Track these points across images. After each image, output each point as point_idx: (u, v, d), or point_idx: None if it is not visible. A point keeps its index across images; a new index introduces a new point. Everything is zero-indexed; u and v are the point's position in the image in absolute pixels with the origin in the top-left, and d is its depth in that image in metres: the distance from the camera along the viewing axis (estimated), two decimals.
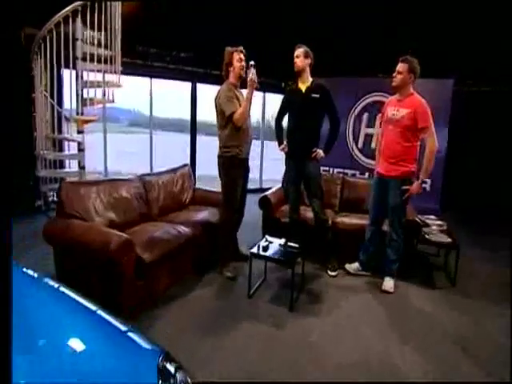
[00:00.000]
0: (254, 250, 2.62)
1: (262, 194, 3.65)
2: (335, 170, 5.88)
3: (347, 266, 3.19)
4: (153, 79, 5.83)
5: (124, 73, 4.38)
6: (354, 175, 5.59)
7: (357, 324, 2.41)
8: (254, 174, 4.69)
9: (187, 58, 5.84)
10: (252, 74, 2.68)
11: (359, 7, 5.27)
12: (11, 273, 1.02)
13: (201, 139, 6.70)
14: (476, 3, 4.82)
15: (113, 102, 4.18)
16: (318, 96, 2.93)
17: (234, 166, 2.87)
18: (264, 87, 5.96)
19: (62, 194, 2.45)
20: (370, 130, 5.70)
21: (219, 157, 2.91)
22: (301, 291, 2.78)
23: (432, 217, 3.66)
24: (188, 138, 6.37)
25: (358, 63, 5.67)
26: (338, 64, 5.56)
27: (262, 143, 7.08)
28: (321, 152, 2.98)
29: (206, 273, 2.99)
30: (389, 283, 2.90)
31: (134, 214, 2.82)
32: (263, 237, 3.42)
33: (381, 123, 3.07)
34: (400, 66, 2.73)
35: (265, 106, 6.79)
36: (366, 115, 5.74)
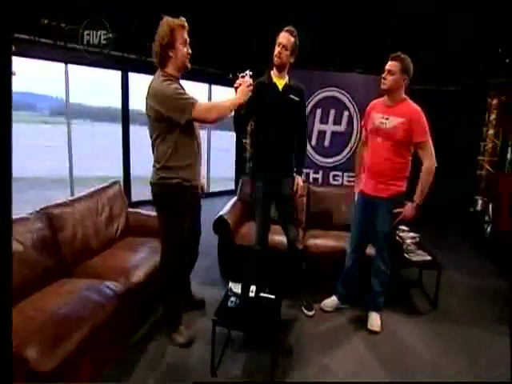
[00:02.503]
0: (219, 303, 1.83)
1: (218, 215, 2.84)
2: None
3: (323, 304, 2.56)
4: (69, 65, 4.45)
5: (22, 54, 3.10)
6: (307, 174, 5.08)
7: None
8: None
9: (116, 39, 4.51)
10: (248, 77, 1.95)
11: None
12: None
13: (136, 130, 5.43)
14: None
15: None
16: (297, 99, 2.19)
17: (180, 198, 1.90)
18: (210, 79, 5.01)
19: None
20: (323, 127, 5.18)
21: (155, 185, 1.91)
22: (279, 346, 2.08)
23: (404, 227, 3.23)
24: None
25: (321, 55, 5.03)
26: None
27: (209, 138, 6.08)
28: (300, 181, 2.36)
29: (152, 339, 2.11)
30: (376, 321, 2.36)
31: (31, 272, 1.77)
32: (221, 269, 2.65)
33: (361, 130, 2.44)
34: (391, 65, 2.11)
35: (211, 96, 5.78)
36: (319, 111, 5.17)
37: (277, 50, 2.14)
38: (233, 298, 1.91)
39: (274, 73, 2.24)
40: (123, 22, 4.22)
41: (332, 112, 5.00)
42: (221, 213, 2.86)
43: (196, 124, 1.96)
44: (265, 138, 2.25)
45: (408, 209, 2.20)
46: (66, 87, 4.50)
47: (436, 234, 4.27)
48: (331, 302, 2.56)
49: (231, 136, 6.44)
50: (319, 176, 5.27)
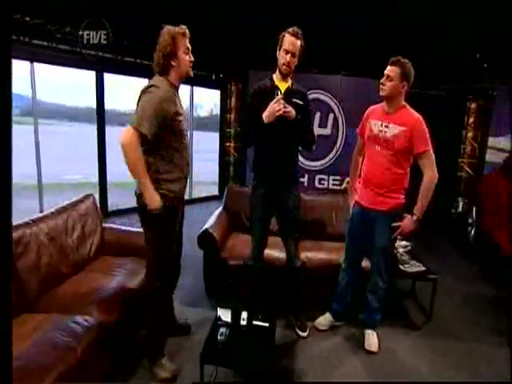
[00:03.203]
0: (208, 338, 1.61)
1: (202, 229, 2.59)
2: None
3: (317, 322, 2.38)
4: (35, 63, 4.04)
5: None
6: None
7: None
8: None
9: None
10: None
11: None
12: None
13: (116, 131, 4.98)
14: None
15: None
16: (301, 103, 2.01)
17: (168, 213, 1.72)
18: (192, 80, 4.71)
19: None
20: None
21: (141, 196, 1.71)
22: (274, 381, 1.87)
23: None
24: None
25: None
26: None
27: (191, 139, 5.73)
28: None
29: (133, 375, 1.85)
30: (373, 341, 2.21)
31: None
32: (207, 286, 2.42)
33: (360, 137, 2.26)
34: (390, 70, 1.95)
35: (192, 100, 5.48)
36: None
37: (285, 58, 1.94)
38: (222, 330, 1.68)
39: (276, 76, 2.03)
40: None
41: (317, 115, 4.86)
42: (206, 226, 2.62)
43: (184, 133, 1.79)
44: (268, 144, 2.03)
45: (407, 223, 2.05)
46: (32, 86, 4.09)
47: (422, 237, 4.20)
48: (325, 319, 2.39)
49: (213, 137, 6.19)
50: (305, 180, 5.13)
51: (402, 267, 2.60)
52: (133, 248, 2.28)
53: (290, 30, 1.93)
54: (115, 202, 4.93)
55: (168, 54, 1.67)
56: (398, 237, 2.82)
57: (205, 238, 2.52)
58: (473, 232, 4.18)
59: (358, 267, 2.30)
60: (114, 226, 2.49)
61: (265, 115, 1.90)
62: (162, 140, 1.67)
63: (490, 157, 5.11)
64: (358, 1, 4.23)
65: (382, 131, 2.01)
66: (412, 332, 2.43)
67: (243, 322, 1.75)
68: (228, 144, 5.44)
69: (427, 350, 2.24)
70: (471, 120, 5.32)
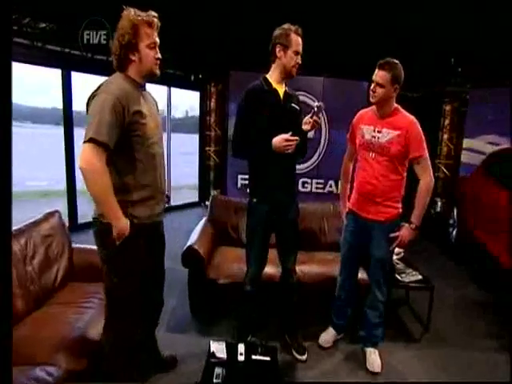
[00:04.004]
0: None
1: (186, 245, 2.31)
2: None
3: (322, 341, 2.20)
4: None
5: None
6: None
7: None
8: None
9: (51, 31, 3.65)
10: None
11: None
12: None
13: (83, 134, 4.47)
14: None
15: None
16: (298, 108, 1.83)
17: (135, 243, 1.40)
18: (169, 81, 4.39)
19: None
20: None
21: (97, 222, 1.40)
22: None
23: None
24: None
25: None
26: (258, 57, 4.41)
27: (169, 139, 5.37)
28: None
29: None
30: (375, 360, 2.04)
31: None
32: (192, 308, 2.19)
33: (350, 143, 2.10)
34: (380, 76, 1.79)
35: (170, 102, 5.13)
36: None
37: (295, 60, 1.74)
38: (218, 370, 1.44)
39: (275, 78, 1.80)
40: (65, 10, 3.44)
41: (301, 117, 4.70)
42: (190, 242, 2.34)
43: (154, 139, 1.44)
44: (272, 157, 1.76)
45: (405, 232, 1.92)
46: None
47: None
48: (328, 335, 2.22)
49: (188, 139, 5.87)
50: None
51: (398, 277, 2.47)
52: None
53: (294, 28, 1.74)
54: (86, 211, 4.47)
55: (126, 45, 1.34)
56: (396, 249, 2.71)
57: (190, 256, 2.25)
58: (454, 233, 4.19)
59: (355, 279, 2.16)
60: (85, 246, 2.14)
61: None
62: (120, 148, 1.32)
63: (466, 158, 5.23)
64: (336, 3, 4.13)
65: (374, 137, 1.87)
66: (412, 345, 2.30)
67: (241, 358, 1.51)
68: (208, 148, 5.15)
69: (429, 363, 2.11)
70: (447, 122, 5.40)
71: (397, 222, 1.95)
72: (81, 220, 4.08)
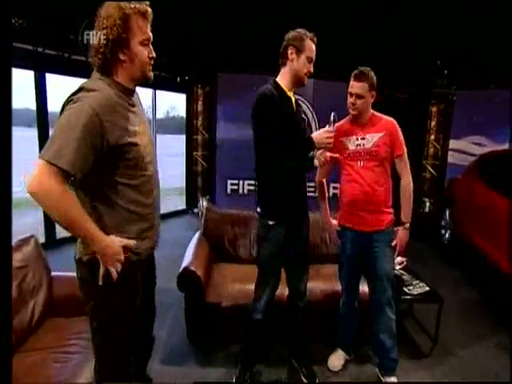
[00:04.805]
0: None
1: (182, 267, 2.07)
2: (245, 182, 4.84)
3: (331, 365, 2.04)
4: None
5: None
6: None
7: None
8: None
9: (24, 28, 3.20)
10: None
11: None
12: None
13: None
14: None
15: None
16: (306, 119, 1.65)
17: (133, 279, 1.19)
18: (154, 83, 4.10)
19: None
20: None
21: (81, 264, 1.14)
22: None
23: None
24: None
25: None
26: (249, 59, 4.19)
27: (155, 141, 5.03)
28: None
29: None
30: None
31: None
32: (190, 335, 2.00)
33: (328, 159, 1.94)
34: (358, 88, 1.73)
35: (155, 102, 4.79)
36: None
37: (308, 67, 1.61)
38: None
39: (286, 84, 1.64)
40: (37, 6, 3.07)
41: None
42: (185, 263, 2.10)
43: (147, 160, 1.18)
44: (290, 172, 1.64)
45: (402, 234, 1.87)
46: None
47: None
48: (337, 358, 2.06)
49: (170, 140, 5.59)
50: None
51: (406, 290, 2.34)
52: None
53: (310, 35, 1.60)
54: None
55: (115, 42, 1.06)
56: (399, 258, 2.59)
57: (186, 279, 2.01)
58: (447, 235, 4.16)
59: (356, 297, 2.04)
60: (66, 273, 1.84)
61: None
62: (106, 175, 1.08)
63: (452, 158, 5.26)
64: (325, 5, 3.99)
65: (360, 145, 1.81)
66: (423, 361, 2.19)
67: None
68: (195, 152, 4.87)
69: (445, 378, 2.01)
70: (433, 123, 5.41)
71: (392, 229, 1.89)
72: (60, 235, 3.70)
